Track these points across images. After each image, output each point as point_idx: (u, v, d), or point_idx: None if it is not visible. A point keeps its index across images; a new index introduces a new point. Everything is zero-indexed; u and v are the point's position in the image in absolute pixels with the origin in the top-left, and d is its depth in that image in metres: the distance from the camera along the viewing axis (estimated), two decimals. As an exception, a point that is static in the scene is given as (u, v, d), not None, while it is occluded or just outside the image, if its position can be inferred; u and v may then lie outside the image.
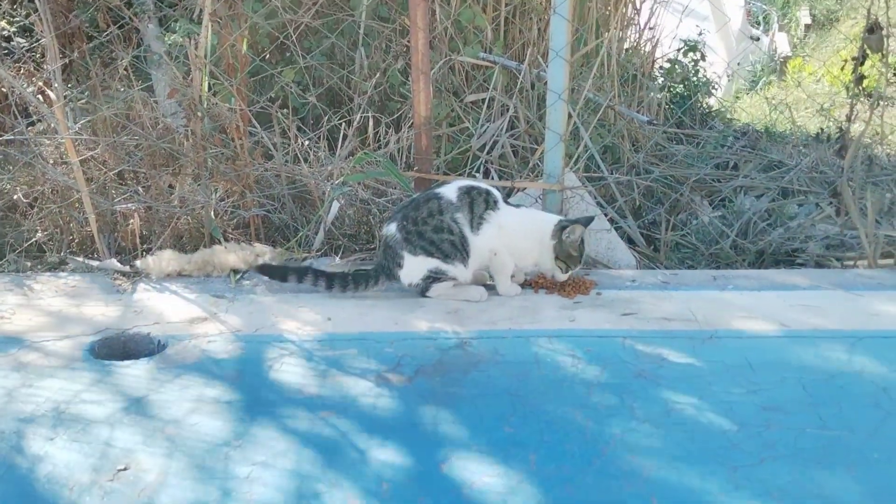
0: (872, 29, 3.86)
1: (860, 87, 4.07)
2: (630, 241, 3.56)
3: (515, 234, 2.85)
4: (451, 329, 2.63)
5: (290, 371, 2.35)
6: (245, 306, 2.82)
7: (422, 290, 2.86)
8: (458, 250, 2.81)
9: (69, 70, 3.61)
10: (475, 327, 2.64)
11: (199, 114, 3.43)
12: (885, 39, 3.84)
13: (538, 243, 2.90)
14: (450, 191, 2.83)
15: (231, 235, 3.46)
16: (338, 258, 3.28)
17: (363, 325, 2.66)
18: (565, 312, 2.76)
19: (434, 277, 2.83)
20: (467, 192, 2.83)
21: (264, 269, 2.96)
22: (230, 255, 3.16)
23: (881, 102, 4.22)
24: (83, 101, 3.50)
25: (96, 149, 3.48)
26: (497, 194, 2.87)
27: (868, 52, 3.93)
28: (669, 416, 2.10)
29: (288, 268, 2.93)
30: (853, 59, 4.04)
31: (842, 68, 5.08)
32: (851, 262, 3.31)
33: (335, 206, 3.46)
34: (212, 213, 3.43)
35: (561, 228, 2.88)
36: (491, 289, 2.92)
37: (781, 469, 1.88)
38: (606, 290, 2.97)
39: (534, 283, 3.02)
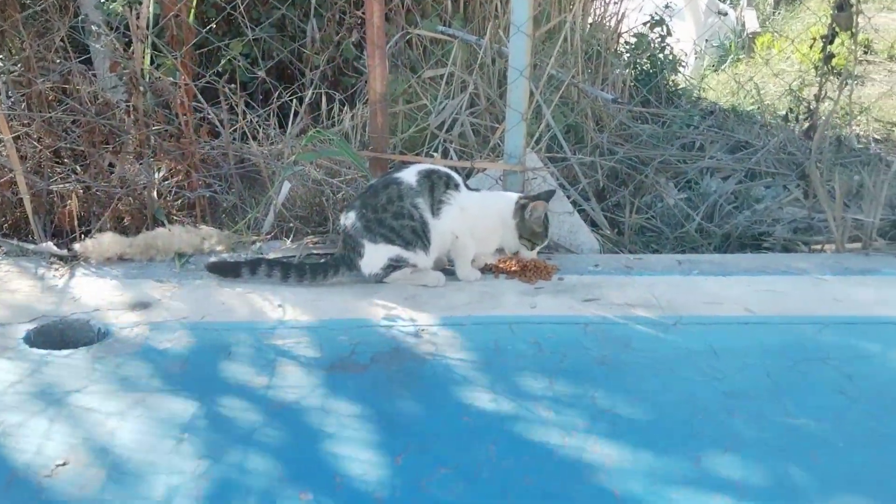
0: (842, 6, 3.93)
1: (829, 66, 4.14)
2: (593, 225, 3.59)
3: (477, 215, 2.88)
4: (408, 316, 2.64)
5: (239, 361, 2.34)
6: (191, 292, 2.80)
7: (381, 278, 2.87)
8: (420, 237, 2.82)
9: (1, 41, 3.54)
10: (433, 314, 2.65)
11: (141, 88, 3.39)
12: (853, 17, 3.91)
13: (500, 223, 2.93)
14: (409, 175, 2.84)
15: (175, 217, 3.43)
16: (289, 241, 3.27)
17: (316, 313, 2.65)
18: (526, 298, 2.78)
19: (395, 265, 2.84)
20: (427, 176, 2.84)
21: (215, 269, 2.93)
22: (174, 238, 3.14)
23: (850, 82, 4.30)
24: (17, 73, 3.44)
25: (31, 125, 3.42)
26: (458, 178, 2.89)
27: (837, 29, 3.99)
28: (632, 404, 2.14)
29: (240, 263, 2.91)
30: (822, 37, 4.10)
31: (810, 46, 5.16)
32: (819, 247, 3.37)
33: (286, 186, 3.44)
34: (154, 193, 3.39)
35: (521, 207, 2.91)
36: (450, 274, 2.94)
37: (744, 458, 1.93)
38: (569, 275, 3.00)
39: (494, 267, 3.04)
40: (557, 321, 2.60)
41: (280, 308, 2.68)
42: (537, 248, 2.99)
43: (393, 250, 2.82)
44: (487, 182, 3.45)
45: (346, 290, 2.84)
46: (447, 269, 2.98)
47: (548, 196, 2.98)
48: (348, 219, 2.85)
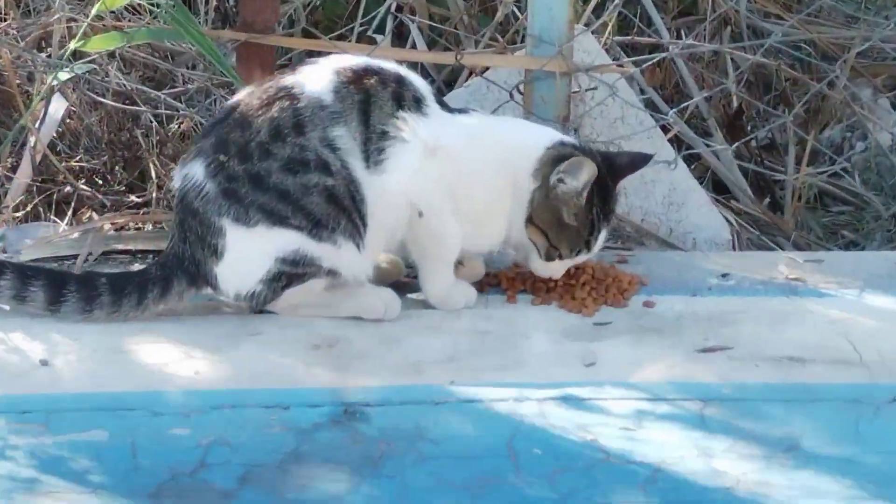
0: None
1: None
2: (718, 188, 3.61)
3: (463, 166, 2.88)
4: (320, 383, 2.63)
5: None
6: None
7: (264, 299, 2.88)
8: (343, 211, 2.81)
9: None
10: (373, 380, 2.65)
11: None
12: None
13: (510, 186, 2.94)
14: (319, 81, 2.84)
15: None
16: (64, 223, 3.26)
17: (121, 377, 2.66)
18: (574, 346, 2.80)
19: (291, 274, 2.84)
20: (355, 82, 2.84)
21: None
22: None
23: None
24: None
25: None
26: (420, 85, 2.89)
27: None
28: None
29: None
30: None
31: None
32: None
33: (57, 105, 3.43)
34: None
35: (556, 158, 2.91)
36: (410, 292, 2.96)
37: None
38: (666, 297, 3.03)
39: (505, 279, 3.07)
40: (642, 394, 2.60)
41: (44, 370, 2.68)
42: (558, 265, 2.99)
43: (286, 241, 2.81)
44: (491, 97, 3.45)
45: (191, 328, 2.86)
46: (406, 282, 3.01)
47: (631, 162, 3.02)
48: (190, 176, 2.84)
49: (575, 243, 2.94)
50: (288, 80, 2.87)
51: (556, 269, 2.98)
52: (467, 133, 2.92)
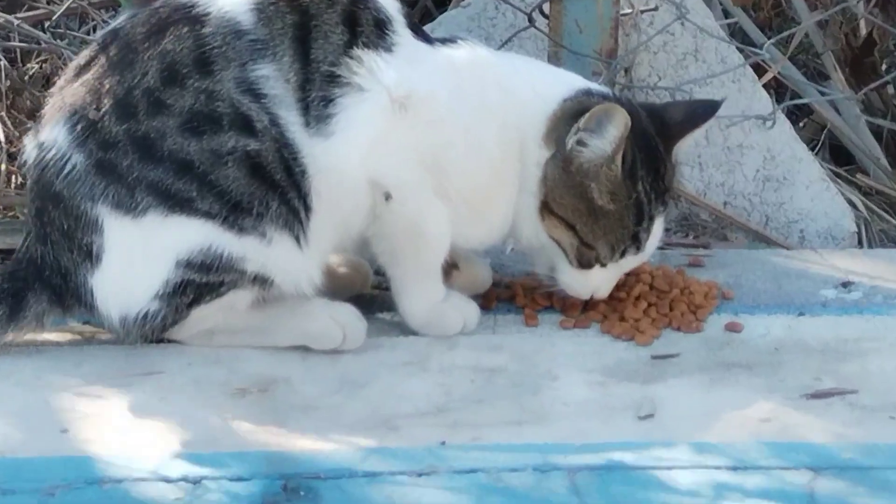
0: None
1: None
2: (838, 156, 3.58)
3: (448, 123, 2.85)
4: (248, 444, 2.60)
5: None
6: None
7: (164, 323, 2.84)
8: (273, 187, 2.77)
9: None
10: (326, 441, 2.62)
11: None
12: None
13: (515, 155, 2.89)
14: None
15: None
16: None
17: None
18: (623, 390, 2.78)
19: (201, 284, 2.80)
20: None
21: None
22: None
23: None
24: None
25: None
26: (385, 2, 2.86)
27: None
28: None
29: None
30: None
31: None
32: None
33: None
34: None
35: (575, 113, 2.86)
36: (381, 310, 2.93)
37: None
38: (759, 317, 3.01)
39: (522, 290, 3.07)
40: (722, 461, 2.56)
41: None
42: (603, 274, 2.94)
43: (191, 235, 2.77)
44: (503, 22, 3.43)
45: (54, 368, 2.84)
46: (375, 295, 2.99)
47: (690, 115, 2.98)
48: (49, 144, 2.80)
49: (617, 237, 2.87)
50: (190, -4, 2.82)
51: (599, 283, 2.93)
52: (454, 74, 2.87)
